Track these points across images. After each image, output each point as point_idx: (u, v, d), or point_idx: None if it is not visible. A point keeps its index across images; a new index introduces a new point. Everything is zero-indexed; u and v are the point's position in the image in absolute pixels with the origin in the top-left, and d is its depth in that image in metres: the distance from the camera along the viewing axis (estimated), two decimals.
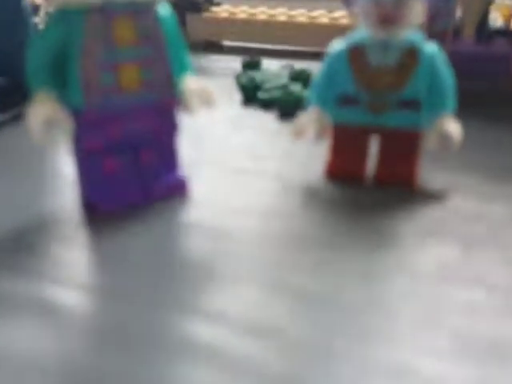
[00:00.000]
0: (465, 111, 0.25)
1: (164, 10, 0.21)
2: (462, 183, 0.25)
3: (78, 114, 0.20)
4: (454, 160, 0.27)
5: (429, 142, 0.24)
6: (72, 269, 0.19)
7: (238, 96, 0.40)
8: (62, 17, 0.19)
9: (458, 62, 0.36)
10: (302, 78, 0.40)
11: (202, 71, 0.45)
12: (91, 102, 0.20)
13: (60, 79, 0.20)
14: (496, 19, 0.56)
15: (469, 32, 0.39)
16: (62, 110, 0.20)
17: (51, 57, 0.19)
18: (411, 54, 0.23)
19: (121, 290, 0.18)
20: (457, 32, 0.39)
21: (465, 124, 0.24)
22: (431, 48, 0.23)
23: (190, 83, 0.22)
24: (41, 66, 0.19)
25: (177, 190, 0.24)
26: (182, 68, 0.22)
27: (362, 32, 0.23)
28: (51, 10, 0.20)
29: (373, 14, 0.22)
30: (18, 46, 0.34)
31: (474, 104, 0.36)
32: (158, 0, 0.20)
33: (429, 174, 0.26)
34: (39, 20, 0.36)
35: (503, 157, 0.29)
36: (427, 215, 0.23)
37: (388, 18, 0.22)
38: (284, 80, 0.40)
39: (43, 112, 0.19)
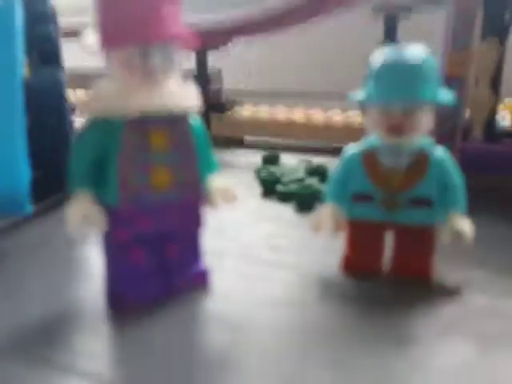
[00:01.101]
0: (477, 207, 0.26)
1: (194, 120, 0.23)
2: (477, 279, 0.26)
3: (111, 210, 0.22)
4: (468, 255, 0.28)
5: (442, 238, 0.25)
6: (94, 360, 0.20)
7: (258, 189, 0.42)
8: (102, 124, 0.21)
9: (468, 160, 0.38)
10: (318, 172, 0.42)
11: (224, 165, 0.48)
12: (125, 199, 0.22)
13: (97, 179, 0.22)
14: (505, 117, 0.59)
15: (477, 132, 0.41)
16: (98, 207, 0.22)
17: (91, 160, 0.22)
18: (422, 158, 0.24)
19: (140, 382, 0.18)
20: (466, 132, 0.42)
21: (477, 220, 0.25)
22: (440, 152, 0.25)
23: (215, 183, 0.24)
24: (82, 168, 0.22)
25: (199, 282, 0.25)
26: (208, 169, 0.24)
27: (375, 137, 0.25)
28: (92, 115, 0.22)
29: (383, 124, 0.24)
30: (55, 142, 0.38)
31: (486, 200, 0.37)
32: (190, 111, 0.23)
33: (444, 269, 0.26)
34: (76, 120, 0.40)
35: None
36: (442, 312, 0.23)
37: (397, 128, 0.23)
38: (301, 174, 0.42)
39: (81, 209, 0.21)
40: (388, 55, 0.24)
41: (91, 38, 0.21)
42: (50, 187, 0.36)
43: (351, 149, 0.26)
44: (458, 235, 0.24)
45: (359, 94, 0.24)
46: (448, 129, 0.40)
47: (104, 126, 0.21)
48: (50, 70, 0.37)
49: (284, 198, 0.39)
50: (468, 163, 0.37)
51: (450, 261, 0.27)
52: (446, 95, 0.24)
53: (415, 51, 0.24)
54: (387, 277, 0.26)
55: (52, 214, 0.36)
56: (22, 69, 0.30)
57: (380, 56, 0.24)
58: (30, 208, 0.29)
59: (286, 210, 0.37)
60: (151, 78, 0.21)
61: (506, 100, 0.65)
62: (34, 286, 0.26)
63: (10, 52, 0.30)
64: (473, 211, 0.25)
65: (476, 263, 0.28)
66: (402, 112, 0.23)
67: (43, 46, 0.36)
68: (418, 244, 0.26)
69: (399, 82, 0.23)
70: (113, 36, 0.20)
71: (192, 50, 0.21)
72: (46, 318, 0.23)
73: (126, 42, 0.20)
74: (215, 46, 0.52)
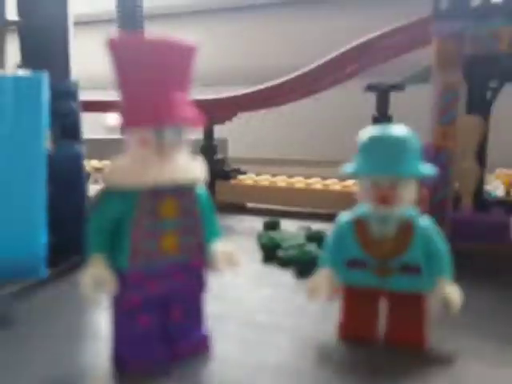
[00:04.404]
0: (467, 274, 0.27)
1: (201, 190, 0.26)
2: (470, 348, 0.27)
3: (122, 275, 0.24)
4: (461, 323, 0.28)
5: (431, 305, 0.26)
6: None
7: (258, 254, 0.43)
8: (119, 194, 0.24)
9: (459, 229, 0.39)
10: (317, 238, 0.44)
11: (227, 230, 0.50)
12: (135, 264, 0.24)
13: (111, 244, 0.24)
14: (497, 187, 0.61)
15: (467, 201, 0.43)
16: (111, 271, 0.24)
17: (107, 227, 0.24)
18: (407, 226, 0.26)
19: None
20: (456, 201, 0.44)
21: (467, 287, 0.26)
22: (424, 221, 0.27)
23: (218, 248, 0.26)
24: (98, 235, 0.24)
25: (201, 346, 0.26)
26: (212, 235, 0.26)
27: (365, 206, 0.27)
28: (110, 186, 0.24)
29: (372, 195, 0.26)
30: (71, 209, 0.40)
31: (476, 268, 0.38)
32: (197, 182, 0.25)
33: (438, 337, 0.27)
34: (92, 189, 0.42)
35: (506, 321, 0.30)
36: (437, 381, 0.23)
37: (385, 199, 0.26)
38: (301, 240, 0.44)
39: (95, 273, 0.23)
40: (375, 133, 0.26)
41: (113, 118, 0.24)
42: (65, 252, 0.38)
43: (344, 216, 0.28)
44: (446, 302, 0.25)
45: (350, 167, 0.27)
46: (439, 199, 0.42)
47: (120, 196, 0.24)
48: (70, 143, 0.40)
49: (284, 263, 0.41)
50: (458, 231, 0.39)
51: (444, 328, 0.28)
52: (427, 170, 0.26)
53: (399, 130, 0.26)
54: (382, 344, 0.27)
55: (66, 278, 0.37)
56: (46, 141, 0.33)
57: (368, 134, 0.27)
58: (45, 272, 0.31)
59: (286, 275, 0.39)
60: (163, 153, 0.23)
61: (498, 170, 0.67)
62: (41, 349, 0.27)
63: (37, 124, 0.34)
64: (461, 278, 0.26)
65: (469, 332, 0.28)
66: (389, 184, 0.25)
67: (65, 120, 0.39)
68: (410, 311, 0.27)
69: (385, 157, 0.26)
70: (132, 118, 0.23)
71: (200, 128, 0.23)
72: (49, 380, 0.24)
73: (143, 124, 0.23)
74: (221, 121, 0.56)
